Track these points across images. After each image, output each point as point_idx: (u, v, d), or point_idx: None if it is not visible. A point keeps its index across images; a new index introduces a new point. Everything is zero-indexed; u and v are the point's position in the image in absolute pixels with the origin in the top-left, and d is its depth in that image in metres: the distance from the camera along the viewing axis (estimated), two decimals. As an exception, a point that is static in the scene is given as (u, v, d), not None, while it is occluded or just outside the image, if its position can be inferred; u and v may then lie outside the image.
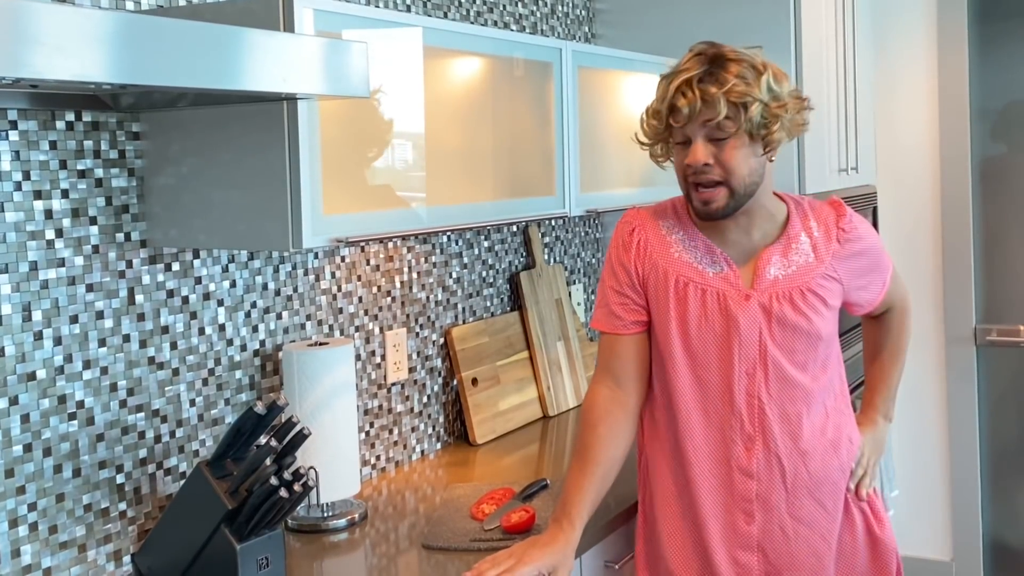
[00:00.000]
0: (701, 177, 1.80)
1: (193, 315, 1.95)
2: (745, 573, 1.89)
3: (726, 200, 1.81)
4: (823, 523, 1.91)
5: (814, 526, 1.90)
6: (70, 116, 1.73)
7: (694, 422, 1.89)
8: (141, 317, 1.85)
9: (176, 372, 1.92)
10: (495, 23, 2.80)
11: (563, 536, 1.82)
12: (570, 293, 3.15)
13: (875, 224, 3.69)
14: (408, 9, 2.49)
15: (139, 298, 1.85)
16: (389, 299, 2.45)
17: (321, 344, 2.09)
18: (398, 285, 2.48)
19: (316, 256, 2.23)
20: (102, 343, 1.79)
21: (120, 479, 1.82)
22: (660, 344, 1.91)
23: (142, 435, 1.86)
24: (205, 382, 1.98)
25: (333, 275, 2.28)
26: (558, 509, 1.88)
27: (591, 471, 1.88)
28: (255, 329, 2.08)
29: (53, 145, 1.70)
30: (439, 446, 2.62)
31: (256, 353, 2.09)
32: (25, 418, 1.67)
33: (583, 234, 3.29)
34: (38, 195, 1.68)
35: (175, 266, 1.91)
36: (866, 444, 2.02)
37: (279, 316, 2.14)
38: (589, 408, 1.95)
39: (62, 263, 1.72)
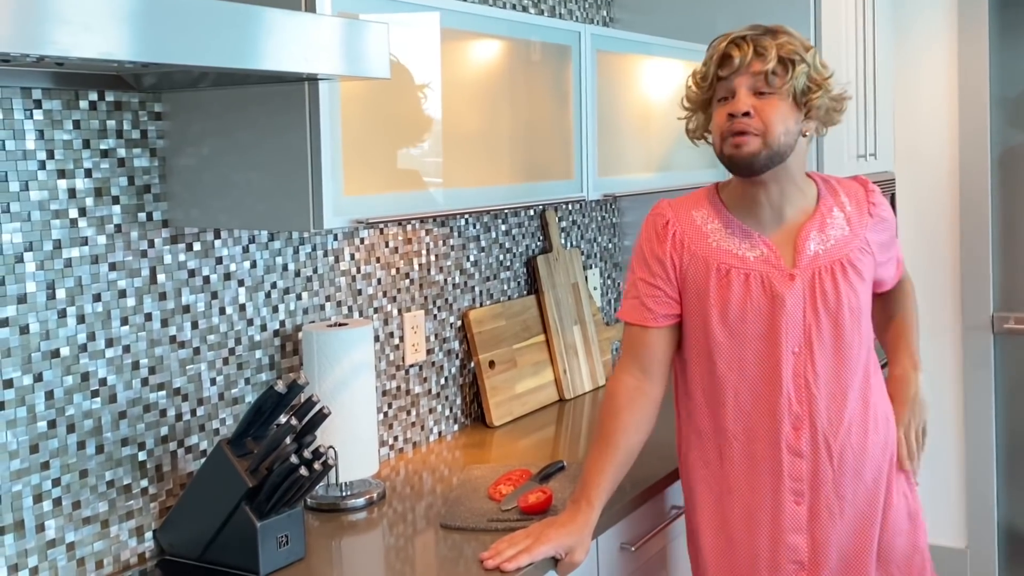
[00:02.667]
0: (739, 125, 1.82)
1: (214, 295, 1.97)
2: (794, 555, 1.88)
3: (759, 147, 1.82)
4: (865, 502, 1.91)
5: (857, 505, 1.90)
6: (93, 96, 1.74)
7: (742, 406, 1.89)
8: (163, 296, 1.87)
9: (197, 351, 1.94)
10: (513, 6, 2.80)
11: (581, 517, 1.84)
12: (587, 277, 3.16)
13: (893, 210, 3.68)
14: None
15: (161, 277, 1.86)
16: (407, 281, 2.46)
17: (340, 325, 2.10)
18: (416, 267, 2.49)
19: (336, 237, 2.24)
20: (124, 321, 1.80)
21: (142, 456, 1.84)
22: (700, 334, 1.91)
23: (163, 413, 1.88)
24: (226, 361, 1.99)
25: (352, 256, 2.29)
26: (577, 491, 1.89)
27: (612, 456, 1.89)
28: (275, 309, 2.10)
29: (76, 125, 1.72)
30: (456, 428, 2.63)
31: (276, 333, 2.10)
32: (49, 395, 1.69)
33: (600, 218, 3.29)
34: (62, 174, 1.70)
35: (196, 246, 1.93)
36: (906, 408, 2.00)
37: (299, 297, 2.15)
38: (613, 395, 1.95)
39: (85, 242, 1.74)
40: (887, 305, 2.14)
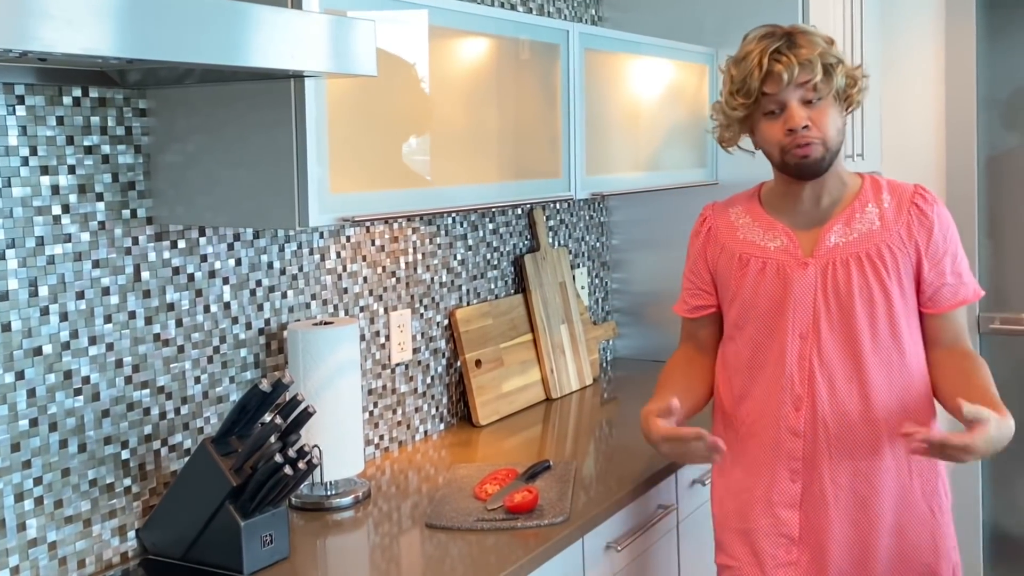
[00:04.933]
0: (801, 139, 1.88)
1: (198, 293, 1.95)
2: (785, 529, 1.95)
3: (822, 152, 1.90)
4: (861, 493, 1.92)
5: (854, 493, 1.92)
6: (77, 92, 1.73)
7: (751, 384, 1.98)
8: (147, 294, 1.86)
9: (181, 349, 1.92)
10: (502, 4, 2.80)
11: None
12: (574, 276, 3.15)
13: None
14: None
15: (145, 275, 1.85)
16: (394, 280, 2.45)
17: (326, 323, 2.09)
18: (403, 266, 2.48)
19: (321, 235, 2.23)
20: (108, 319, 1.79)
21: (125, 455, 1.82)
22: (727, 320, 2.04)
23: (147, 411, 1.86)
24: (210, 360, 1.98)
25: (338, 255, 2.28)
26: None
27: (678, 392, 2.01)
28: (260, 308, 2.09)
29: (60, 121, 1.70)
30: (442, 427, 2.62)
31: (261, 332, 2.09)
32: (31, 393, 1.67)
33: (588, 217, 3.29)
34: (45, 171, 1.68)
35: (181, 243, 1.91)
36: (992, 420, 1.79)
37: (284, 295, 2.14)
38: (670, 365, 2.13)
39: (68, 239, 1.72)
40: (958, 365, 1.98)
